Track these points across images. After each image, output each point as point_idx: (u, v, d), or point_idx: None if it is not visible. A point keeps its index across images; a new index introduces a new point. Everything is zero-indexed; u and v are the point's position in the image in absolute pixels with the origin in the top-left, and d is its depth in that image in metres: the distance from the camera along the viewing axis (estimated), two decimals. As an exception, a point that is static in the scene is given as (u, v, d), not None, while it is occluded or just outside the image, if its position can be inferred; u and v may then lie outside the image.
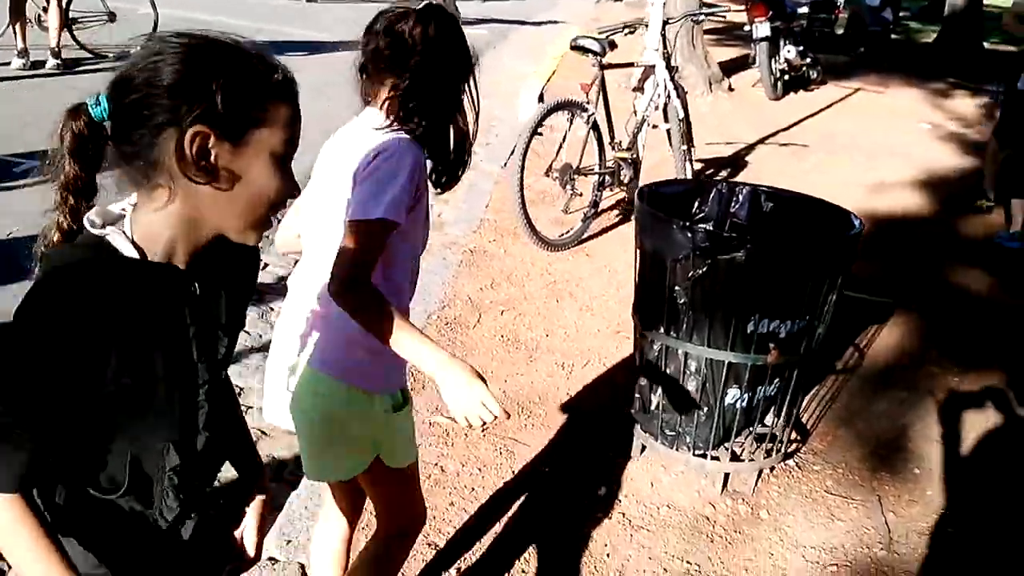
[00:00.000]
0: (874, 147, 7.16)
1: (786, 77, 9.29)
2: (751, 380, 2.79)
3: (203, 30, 1.12)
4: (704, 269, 2.60)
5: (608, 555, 2.62)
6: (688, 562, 2.62)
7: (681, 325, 2.74)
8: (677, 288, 2.69)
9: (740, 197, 3.10)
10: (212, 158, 1.07)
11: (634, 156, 5.15)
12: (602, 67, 4.90)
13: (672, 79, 5.25)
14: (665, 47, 5.27)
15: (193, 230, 1.13)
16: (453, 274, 4.35)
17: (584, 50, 4.88)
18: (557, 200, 5.00)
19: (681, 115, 5.28)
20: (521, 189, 4.50)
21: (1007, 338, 4.16)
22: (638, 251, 2.90)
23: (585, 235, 4.95)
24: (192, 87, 1.05)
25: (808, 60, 9.59)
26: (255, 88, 1.09)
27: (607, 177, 5.02)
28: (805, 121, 8.00)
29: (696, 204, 3.12)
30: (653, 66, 5.28)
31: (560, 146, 4.80)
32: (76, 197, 1.10)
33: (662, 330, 2.79)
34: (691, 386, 2.81)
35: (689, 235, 2.61)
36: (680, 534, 2.73)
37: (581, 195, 4.93)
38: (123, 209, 1.15)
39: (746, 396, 2.82)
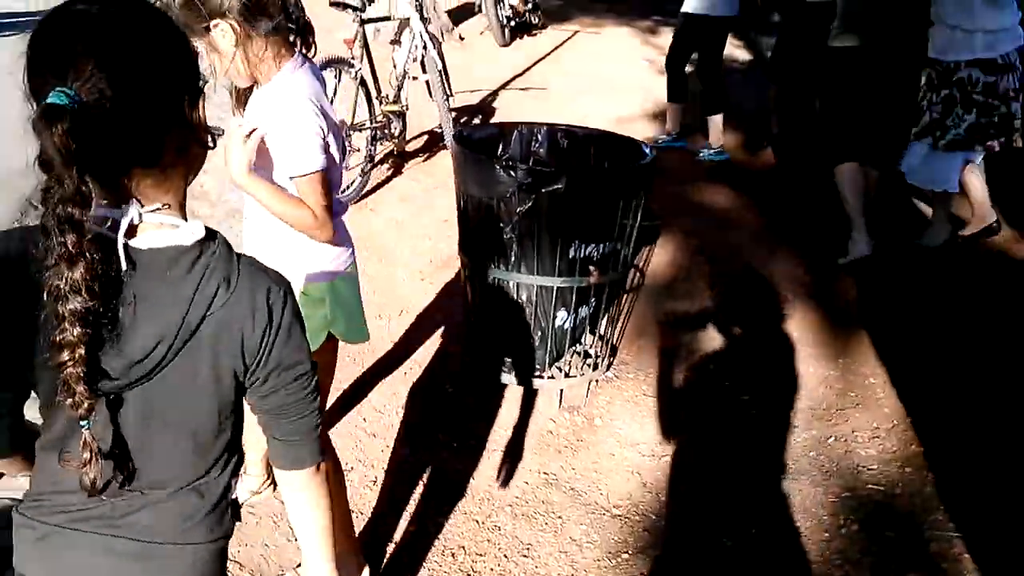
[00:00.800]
0: (605, 84, 7.66)
1: (512, 23, 9.64)
2: (576, 302, 3.05)
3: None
4: (530, 204, 2.81)
5: (473, 478, 2.81)
6: (544, 472, 2.86)
7: (510, 258, 2.94)
8: (504, 224, 2.89)
9: (539, 136, 3.34)
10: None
11: (400, 109, 5.27)
12: (362, 22, 4.95)
13: (427, 30, 5.39)
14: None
15: None
16: (238, 242, 4.29)
17: (344, 5, 4.91)
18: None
19: (439, 66, 5.44)
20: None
21: (748, 243, 4.66)
22: (461, 194, 3.06)
23: (365, 190, 5.03)
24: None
25: (530, 5, 10.02)
26: None
27: (378, 131, 5.11)
28: (537, 65, 8.40)
29: (501, 146, 3.32)
30: (408, 19, 5.40)
31: (331, 103, 4.81)
32: None
33: (492, 265, 2.98)
34: (524, 313, 3.04)
35: (513, 174, 2.81)
36: (531, 449, 2.97)
37: (358, 151, 4.98)
38: None
39: (571, 318, 3.08)
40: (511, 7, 9.55)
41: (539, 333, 3.07)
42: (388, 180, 5.31)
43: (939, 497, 2.79)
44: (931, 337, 3.73)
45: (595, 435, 3.07)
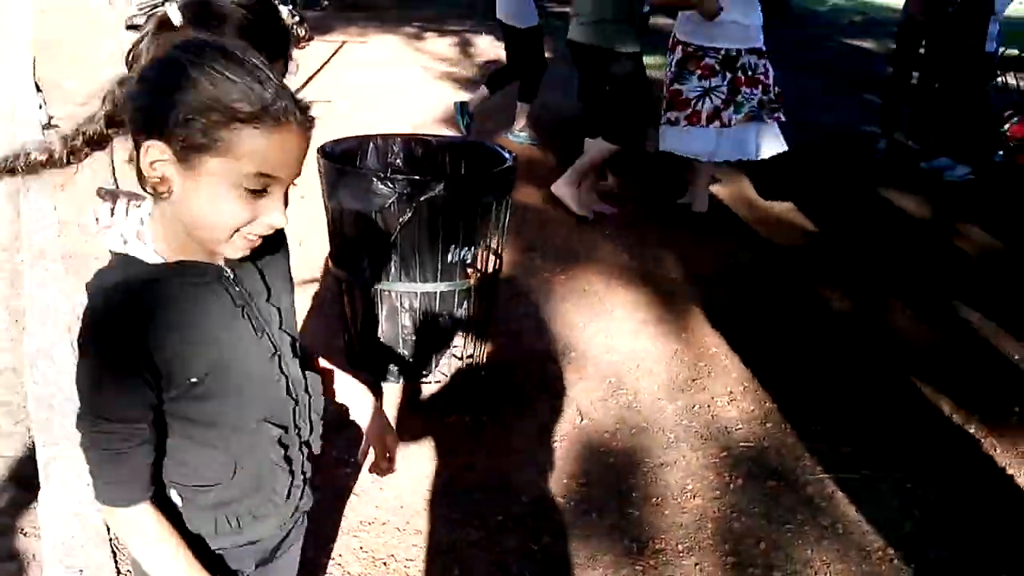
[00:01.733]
0: (388, 93, 7.72)
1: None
2: (456, 305, 3.13)
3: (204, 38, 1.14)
4: (410, 213, 2.86)
5: (381, 488, 2.82)
6: (450, 474, 2.92)
7: (390, 268, 2.98)
8: (381, 235, 2.92)
9: (395, 147, 3.38)
10: (164, 174, 1.06)
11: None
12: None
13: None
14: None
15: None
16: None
17: (139, 28, 4.70)
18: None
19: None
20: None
21: (568, 234, 4.91)
22: (332, 208, 3.05)
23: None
24: (156, 103, 1.05)
25: (296, 18, 9.87)
26: (219, 111, 1.03)
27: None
28: (315, 77, 8.32)
29: (359, 158, 3.33)
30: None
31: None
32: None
33: (374, 276, 3.00)
34: (408, 321, 3.08)
35: (391, 184, 2.84)
36: (431, 453, 3.01)
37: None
38: (140, 219, 1.18)
39: (451, 320, 3.16)
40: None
41: (424, 337, 3.12)
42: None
43: (802, 445, 3.12)
44: (747, 303, 4.12)
45: (490, 431, 3.15)
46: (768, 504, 2.83)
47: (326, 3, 12.27)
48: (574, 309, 4.06)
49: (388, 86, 8.01)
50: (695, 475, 2.96)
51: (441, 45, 10.45)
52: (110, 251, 1.17)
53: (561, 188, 4.98)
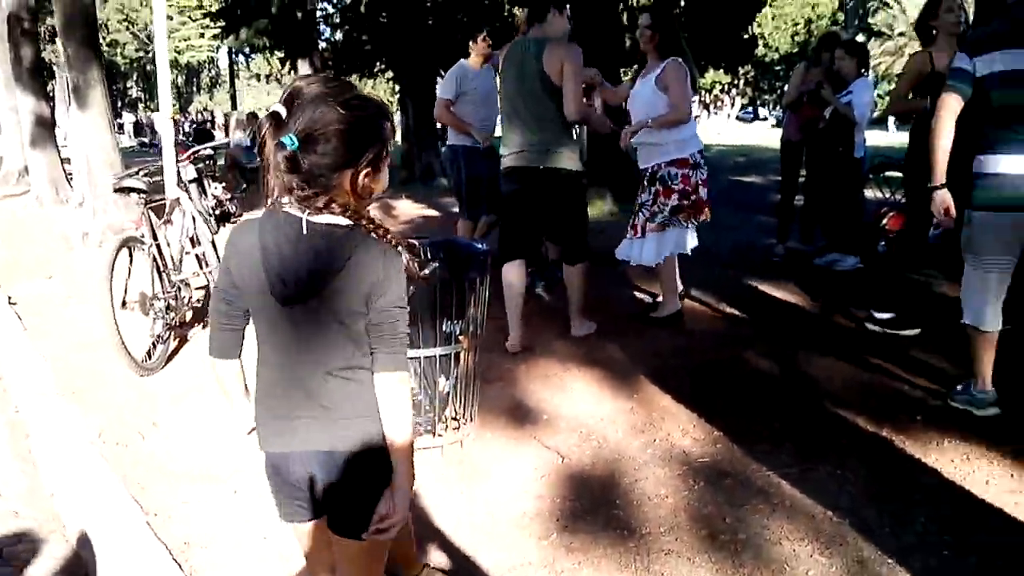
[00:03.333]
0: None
1: (217, 212, 10.21)
2: (451, 369, 3.75)
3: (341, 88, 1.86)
4: (413, 288, 3.51)
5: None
6: (458, 500, 3.46)
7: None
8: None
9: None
10: (368, 183, 1.86)
11: (186, 279, 5.71)
12: (147, 203, 5.42)
13: (196, 208, 5.93)
14: (181, 182, 5.96)
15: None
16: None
17: (129, 190, 5.37)
18: (138, 329, 5.34)
19: (210, 237, 5.98)
20: (116, 325, 4.84)
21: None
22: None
23: (169, 352, 5.37)
24: (360, 145, 1.83)
25: (228, 196, 10.68)
26: (383, 136, 1.88)
27: (171, 301, 5.51)
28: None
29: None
30: (178, 199, 5.91)
31: (127, 279, 5.20)
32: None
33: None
34: (415, 383, 3.68)
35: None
36: (430, 495, 3.55)
37: (158, 320, 5.34)
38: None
39: (448, 383, 3.77)
40: (215, 197, 10.13)
41: (427, 398, 3.72)
42: (190, 340, 5.69)
43: (749, 454, 3.76)
44: (687, 373, 4.82)
45: (482, 475, 3.70)
46: (728, 495, 3.43)
47: (244, 186, 13.06)
48: (541, 388, 4.68)
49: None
50: (665, 484, 3.56)
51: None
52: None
53: (580, 329, 5.46)
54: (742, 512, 3.30)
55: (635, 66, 5.45)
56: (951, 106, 3.86)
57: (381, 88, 69.11)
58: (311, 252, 1.83)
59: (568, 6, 5.28)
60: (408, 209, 12.11)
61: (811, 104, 7.60)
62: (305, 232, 1.82)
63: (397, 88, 26.63)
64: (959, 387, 4.23)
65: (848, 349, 5.15)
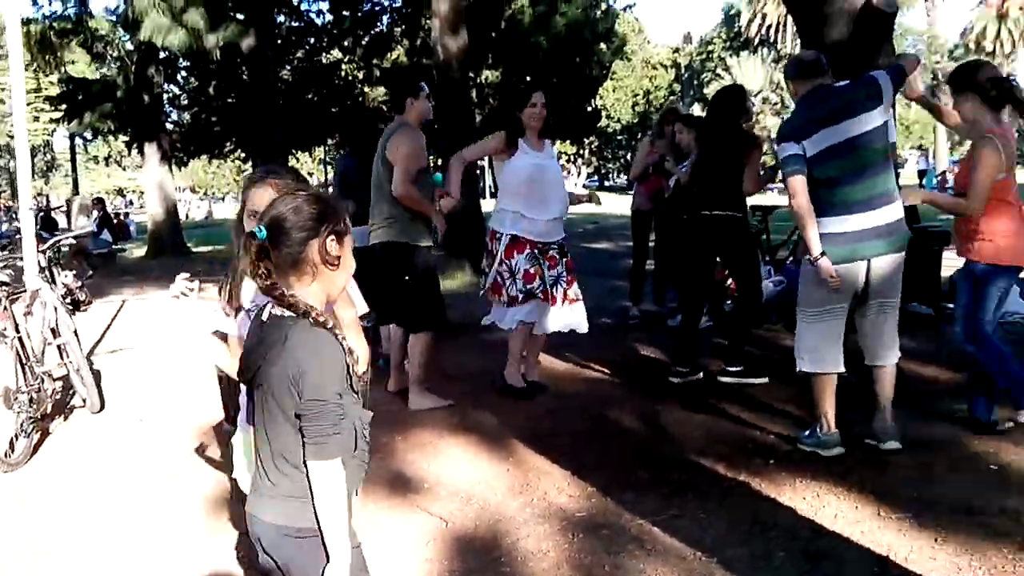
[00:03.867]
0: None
1: (68, 300, 9.97)
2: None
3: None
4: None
5: None
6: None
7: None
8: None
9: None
10: (335, 252, 2.03)
11: (48, 371, 5.60)
12: (9, 296, 5.33)
13: (57, 298, 5.85)
14: (43, 271, 5.87)
15: (324, 299, 2.07)
16: None
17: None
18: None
19: (72, 327, 5.89)
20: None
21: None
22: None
23: (32, 446, 5.24)
24: (323, 216, 2.03)
25: (79, 283, 10.46)
26: (338, 212, 2.09)
27: (34, 393, 5.39)
28: (110, 331, 8.89)
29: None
30: (39, 289, 5.82)
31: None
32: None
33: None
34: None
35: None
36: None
37: (21, 414, 5.22)
38: None
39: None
40: (65, 285, 9.90)
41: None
42: (53, 434, 5.56)
43: (621, 507, 4.00)
44: (552, 433, 5.06)
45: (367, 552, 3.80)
46: (605, 543, 3.65)
47: (91, 273, 12.81)
48: (419, 457, 4.82)
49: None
50: (546, 539, 3.75)
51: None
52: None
53: (418, 402, 5.63)
54: (619, 559, 3.52)
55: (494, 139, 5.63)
56: (802, 187, 4.33)
57: (227, 168, 68.38)
58: (263, 339, 2.05)
59: (425, 89, 5.59)
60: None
61: (656, 175, 8.12)
62: (265, 320, 2.06)
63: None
64: (806, 432, 4.62)
65: (704, 402, 5.51)
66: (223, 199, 78.32)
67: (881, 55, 7.77)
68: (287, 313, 2.02)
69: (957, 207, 4.58)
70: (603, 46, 25.45)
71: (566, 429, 5.14)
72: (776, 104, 47.74)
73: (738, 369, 5.99)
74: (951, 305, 7.77)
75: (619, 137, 62.53)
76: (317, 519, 2.02)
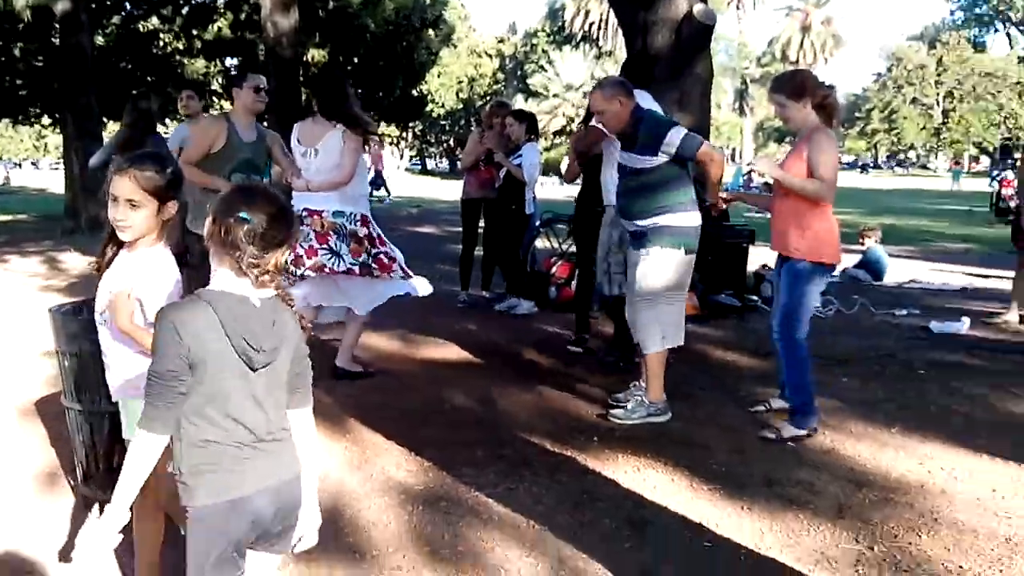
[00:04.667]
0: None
1: None
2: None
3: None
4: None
5: None
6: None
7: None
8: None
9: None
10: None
11: None
12: None
13: None
14: None
15: None
16: None
17: None
18: None
19: None
20: None
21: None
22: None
23: None
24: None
25: None
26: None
27: None
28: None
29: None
30: None
31: None
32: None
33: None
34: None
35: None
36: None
37: None
38: None
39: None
40: None
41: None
42: None
43: (459, 481, 4.20)
44: (391, 410, 5.22)
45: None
46: (444, 515, 3.84)
47: None
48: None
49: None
50: (386, 511, 3.90)
51: (30, 264, 10.90)
52: None
53: None
54: (458, 528, 3.72)
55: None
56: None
57: (25, 133, 63.96)
58: (272, 321, 2.16)
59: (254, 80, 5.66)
60: (76, 263, 11.57)
61: (488, 165, 8.38)
62: (258, 306, 2.13)
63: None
64: (631, 405, 5.08)
65: (531, 383, 5.81)
66: (19, 165, 73.37)
67: (698, 63, 8.37)
68: (273, 293, 2.18)
69: (806, 187, 4.57)
70: (431, 32, 25.59)
71: (400, 407, 5.31)
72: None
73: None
74: (754, 297, 8.49)
75: (442, 122, 62.74)
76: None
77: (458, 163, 70.74)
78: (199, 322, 2.06)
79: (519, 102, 44.83)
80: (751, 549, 3.53)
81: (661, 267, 4.95)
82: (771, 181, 4.95)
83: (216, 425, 2.13)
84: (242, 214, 2.07)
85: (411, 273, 5.86)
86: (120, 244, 2.73)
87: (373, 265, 5.66)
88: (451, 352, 6.77)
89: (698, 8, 7.93)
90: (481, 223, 8.72)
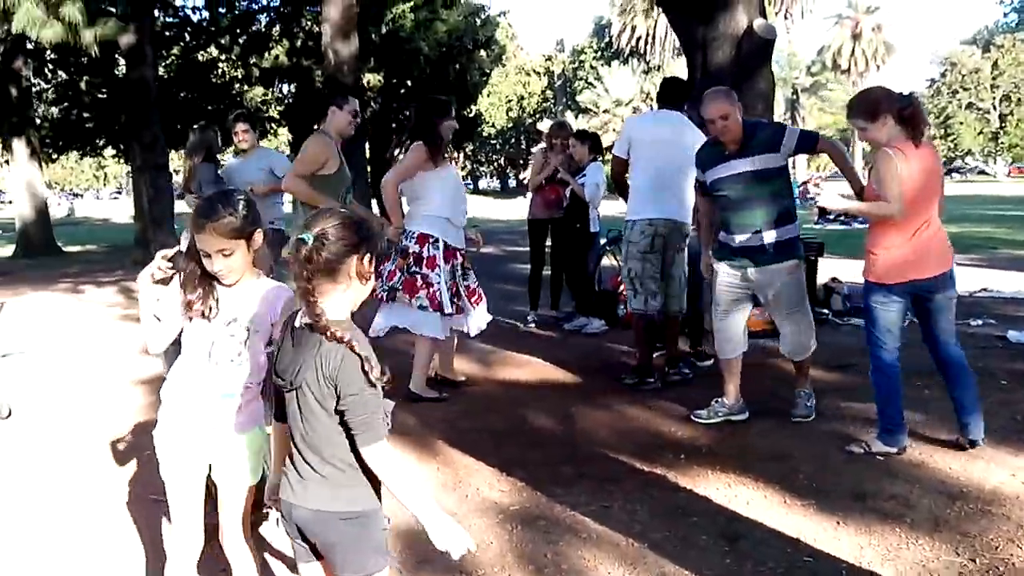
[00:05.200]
0: (72, 342, 8.24)
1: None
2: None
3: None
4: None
5: None
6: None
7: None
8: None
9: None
10: (368, 268, 2.28)
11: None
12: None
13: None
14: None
15: (351, 307, 2.31)
16: None
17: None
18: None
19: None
20: None
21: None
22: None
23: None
24: (364, 236, 2.27)
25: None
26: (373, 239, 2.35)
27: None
28: None
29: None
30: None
31: None
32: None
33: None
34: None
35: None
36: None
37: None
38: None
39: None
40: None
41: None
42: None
43: (553, 500, 4.29)
44: (476, 434, 5.32)
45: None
46: (543, 534, 3.93)
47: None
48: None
49: (76, 334, 8.53)
50: (487, 532, 4.00)
51: (106, 295, 11.22)
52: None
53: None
54: (559, 547, 3.80)
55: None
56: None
57: (87, 164, 65.55)
58: (298, 345, 2.27)
59: (352, 103, 5.85)
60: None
61: (552, 185, 8.49)
62: (297, 327, 2.29)
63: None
64: (711, 408, 5.41)
65: (608, 401, 5.88)
66: (81, 196, 75.26)
67: (760, 78, 8.39)
68: (307, 321, 2.26)
69: (873, 210, 4.54)
70: (483, 53, 25.86)
71: (485, 428, 5.41)
72: (645, 114, 49.27)
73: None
74: (825, 311, 8.47)
75: (493, 141, 63.16)
76: (367, 502, 2.35)
77: (510, 182, 71.14)
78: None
79: (569, 119, 44.97)
80: (851, 563, 3.56)
81: (802, 276, 5.36)
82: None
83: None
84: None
85: (448, 309, 5.88)
86: (211, 279, 2.76)
87: (399, 288, 5.83)
88: (526, 372, 6.87)
89: (758, 23, 7.96)
90: (548, 243, 8.81)
